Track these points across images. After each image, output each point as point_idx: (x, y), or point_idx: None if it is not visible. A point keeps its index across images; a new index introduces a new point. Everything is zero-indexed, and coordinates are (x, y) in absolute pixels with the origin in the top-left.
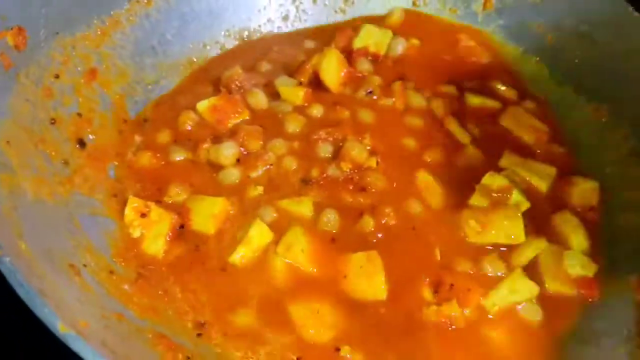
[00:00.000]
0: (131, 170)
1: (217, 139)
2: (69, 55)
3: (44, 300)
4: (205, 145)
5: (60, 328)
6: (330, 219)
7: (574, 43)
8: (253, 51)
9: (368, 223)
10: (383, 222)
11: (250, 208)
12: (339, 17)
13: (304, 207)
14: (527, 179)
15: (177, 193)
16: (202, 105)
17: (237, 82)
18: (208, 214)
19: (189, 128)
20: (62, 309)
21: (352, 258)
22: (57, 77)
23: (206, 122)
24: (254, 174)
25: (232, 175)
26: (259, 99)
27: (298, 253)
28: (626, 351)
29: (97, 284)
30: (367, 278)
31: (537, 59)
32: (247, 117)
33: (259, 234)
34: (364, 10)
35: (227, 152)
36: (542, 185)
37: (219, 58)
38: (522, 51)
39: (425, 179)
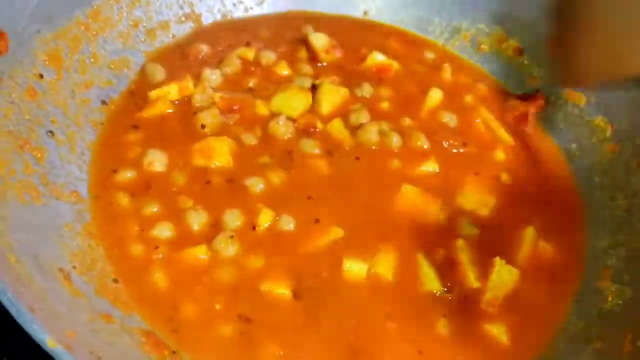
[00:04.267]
0: None
1: None
2: (51, 52)
3: (34, 317)
4: None
5: (49, 344)
6: None
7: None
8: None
9: None
10: None
11: None
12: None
13: None
14: None
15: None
16: None
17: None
18: None
19: None
20: (50, 319)
21: None
22: (41, 76)
23: None
24: None
25: None
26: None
27: None
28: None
29: (86, 284)
30: None
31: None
32: None
33: None
34: None
35: None
36: None
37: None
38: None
39: None
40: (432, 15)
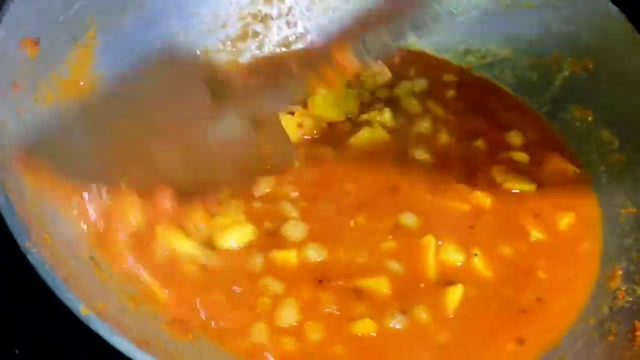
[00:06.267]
0: None
1: None
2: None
3: (68, 287)
4: None
5: (82, 311)
6: None
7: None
8: None
9: None
10: None
11: None
12: None
13: None
14: None
15: None
16: None
17: None
18: None
19: None
20: (83, 293)
21: None
22: None
23: None
24: None
25: None
26: None
27: None
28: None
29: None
30: None
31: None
32: None
33: None
34: None
35: None
36: None
37: None
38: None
39: None
40: None
